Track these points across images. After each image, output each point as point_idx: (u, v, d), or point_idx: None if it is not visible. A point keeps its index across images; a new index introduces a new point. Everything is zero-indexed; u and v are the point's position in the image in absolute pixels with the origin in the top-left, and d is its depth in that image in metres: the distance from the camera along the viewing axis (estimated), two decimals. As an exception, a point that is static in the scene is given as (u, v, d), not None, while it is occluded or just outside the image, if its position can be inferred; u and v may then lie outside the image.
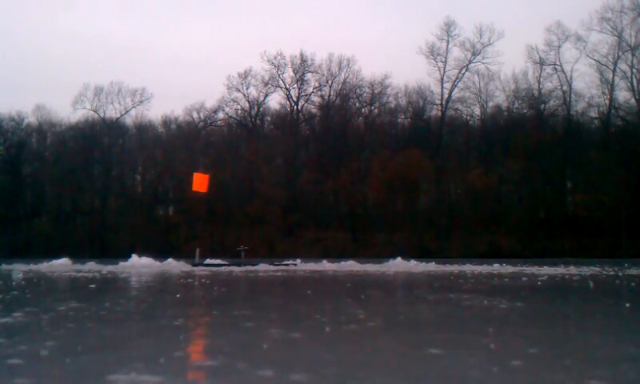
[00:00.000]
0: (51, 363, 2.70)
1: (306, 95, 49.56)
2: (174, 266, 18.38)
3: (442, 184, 44.05)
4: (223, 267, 18.48)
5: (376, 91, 48.10)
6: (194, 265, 18.88)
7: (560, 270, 14.57)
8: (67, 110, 58.56)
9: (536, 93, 45.28)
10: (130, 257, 20.34)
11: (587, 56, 43.54)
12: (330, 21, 69.43)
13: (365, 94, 48.69)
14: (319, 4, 71.65)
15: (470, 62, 46.38)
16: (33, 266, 18.84)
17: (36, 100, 64.39)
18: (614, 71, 43.11)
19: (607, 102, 43.56)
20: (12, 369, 2.54)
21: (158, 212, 48.90)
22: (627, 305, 5.78)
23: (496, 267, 17.36)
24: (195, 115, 50.28)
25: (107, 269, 16.28)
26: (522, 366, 2.58)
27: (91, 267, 17.94)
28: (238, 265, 18.85)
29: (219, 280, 10.52)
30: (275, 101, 52.85)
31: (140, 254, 20.80)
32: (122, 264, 19.09)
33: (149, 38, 73.73)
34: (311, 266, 19.19)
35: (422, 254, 32.54)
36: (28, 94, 68.84)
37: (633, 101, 42.91)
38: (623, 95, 43.67)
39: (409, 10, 66.67)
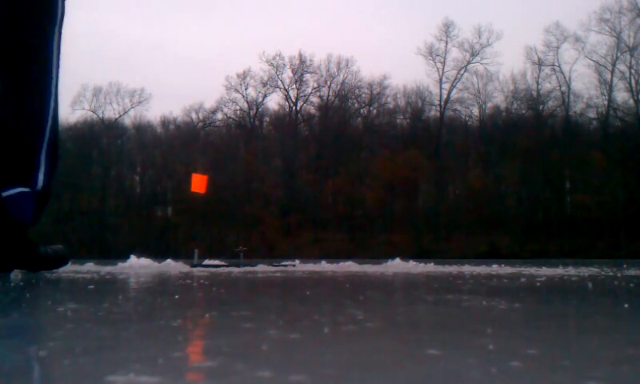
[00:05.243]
0: (49, 364, 2.70)
1: (304, 96, 49.57)
2: (172, 266, 18.26)
3: (441, 185, 44.09)
4: (222, 268, 18.40)
5: (375, 92, 48.12)
6: (193, 265, 18.78)
7: (559, 271, 14.52)
8: (66, 111, 58.26)
9: (535, 93, 45.38)
10: (128, 257, 20.36)
11: (586, 57, 43.68)
12: (329, 21, 69.47)
13: (364, 95, 48.71)
14: (318, 5, 71.71)
15: (469, 62, 46.44)
16: (31, 267, 18.83)
17: (34, 100, 64.14)
18: (612, 72, 43.22)
19: (606, 102, 43.65)
20: (10, 370, 2.53)
21: (157, 212, 48.88)
22: (626, 306, 5.78)
23: (495, 268, 17.25)
24: (194, 116, 50.29)
25: (106, 269, 16.20)
26: (521, 366, 2.58)
27: (90, 268, 17.80)
28: (237, 265, 18.73)
29: (218, 281, 10.49)
30: (274, 101, 53.02)
31: (139, 255, 20.78)
32: (120, 265, 18.94)
33: (148, 39, 73.71)
34: (310, 266, 19.10)
35: (421, 255, 32.53)
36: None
37: (631, 101, 43.01)
38: (622, 96, 43.79)
39: (408, 11, 66.70)
